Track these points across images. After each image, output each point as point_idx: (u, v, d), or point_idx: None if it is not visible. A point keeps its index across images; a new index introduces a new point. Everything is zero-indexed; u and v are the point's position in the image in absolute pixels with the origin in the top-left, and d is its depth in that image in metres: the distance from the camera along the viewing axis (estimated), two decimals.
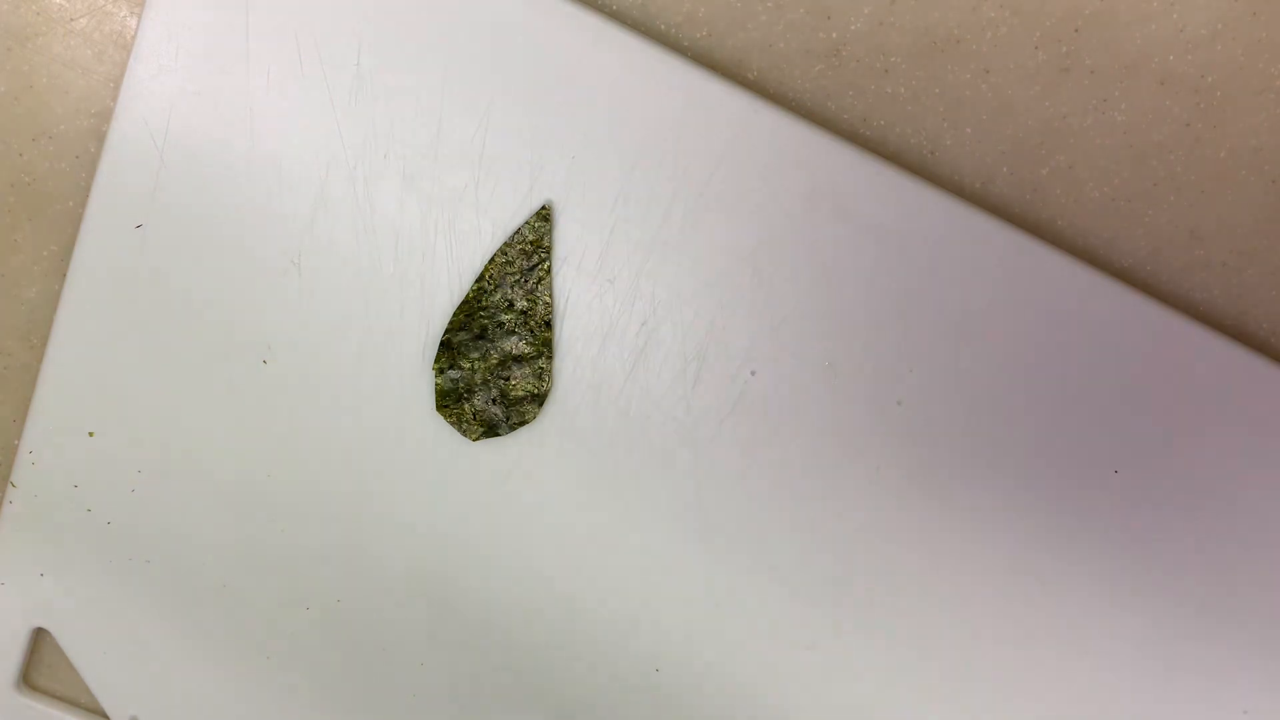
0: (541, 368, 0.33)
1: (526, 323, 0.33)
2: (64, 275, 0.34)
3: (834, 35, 0.32)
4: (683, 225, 0.32)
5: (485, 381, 0.33)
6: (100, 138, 0.34)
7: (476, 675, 0.36)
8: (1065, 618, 0.34)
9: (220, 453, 0.34)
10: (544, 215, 0.32)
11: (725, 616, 0.35)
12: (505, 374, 0.33)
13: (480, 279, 0.32)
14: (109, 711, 0.37)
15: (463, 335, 0.33)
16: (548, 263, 0.32)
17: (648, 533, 0.34)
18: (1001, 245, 0.32)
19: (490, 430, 0.34)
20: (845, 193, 0.31)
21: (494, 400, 0.33)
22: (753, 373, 0.33)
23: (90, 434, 0.34)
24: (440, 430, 0.34)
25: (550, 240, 0.32)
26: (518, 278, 0.32)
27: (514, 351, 0.33)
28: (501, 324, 0.33)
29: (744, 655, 0.35)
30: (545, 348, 0.33)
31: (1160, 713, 0.35)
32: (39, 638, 0.38)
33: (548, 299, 0.33)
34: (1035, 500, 0.33)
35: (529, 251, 0.32)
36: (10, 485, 0.35)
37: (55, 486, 0.35)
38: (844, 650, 0.35)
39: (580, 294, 0.33)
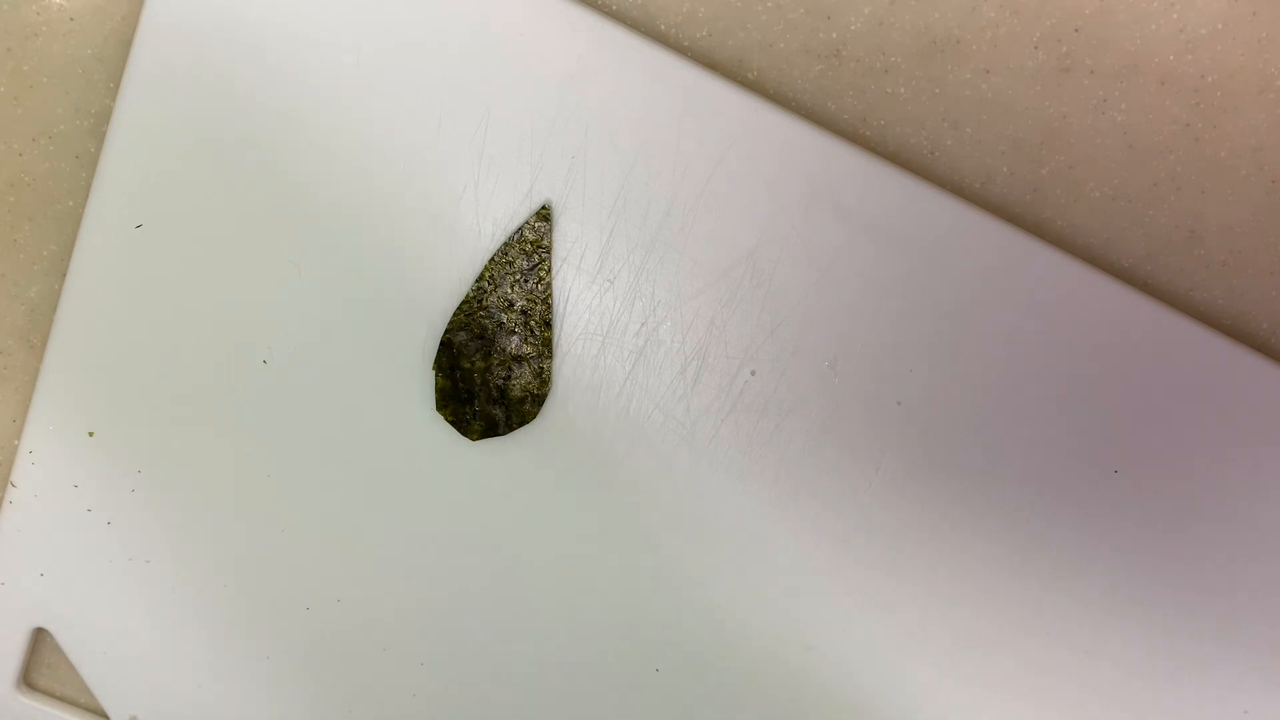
0: (541, 368, 0.33)
1: (526, 323, 0.33)
2: (64, 275, 0.34)
3: (834, 35, 0.32)
4: (683, 225, 0.32)
5: (485, 381, 0.33)
6: (100, 138, 0.34)
7: (476, 675, 0.36)
8: (1065, 618, 0.34)
9: (220, 453, 0.34)
10: (544, 215, 0.32)
11: (725, 616, 0.35)
12: (505, 374, 0.33)
13: (480, 279, 0.32)
14: (109, 711, 0.37)
15: (463, 335, 0.33)
16: (548, 263, 0.32)
17: (648, 532, 0.34)
18: (1001, 245, 0.32)
19: (490, 430, 0.34)
20: (845, 193, 0.31)
21: (494, 400, 0.33)
22: (753, 373, 0.33)
23: (90, 434, 0.34)
24: (440, 430, 0.34)
25: (550, 240, 0.32)
26: (518, 278, 0.32)
27: (514, 351, 0.33)
28: (501, 324, 0.33)
29: (744, 655, 0.35)
30: (545, 348, 0.33)
31: (1160, 713, 0.35)
32: (39, 638, 0.38)
33: (548, 299, 0.33)
34: (1035, 500, 0.33)
35: (529, 251, 0.32)
36: (10, 485, 0.35)
37: (55, 486, 0.35)
38: (844, 650, 0.35)
39: (580, 294, 0.33)
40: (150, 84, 0.32)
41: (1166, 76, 0.32)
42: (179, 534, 0.35)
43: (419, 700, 0.36)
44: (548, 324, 0.33)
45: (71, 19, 0.33)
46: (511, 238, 0.32)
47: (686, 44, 0.32)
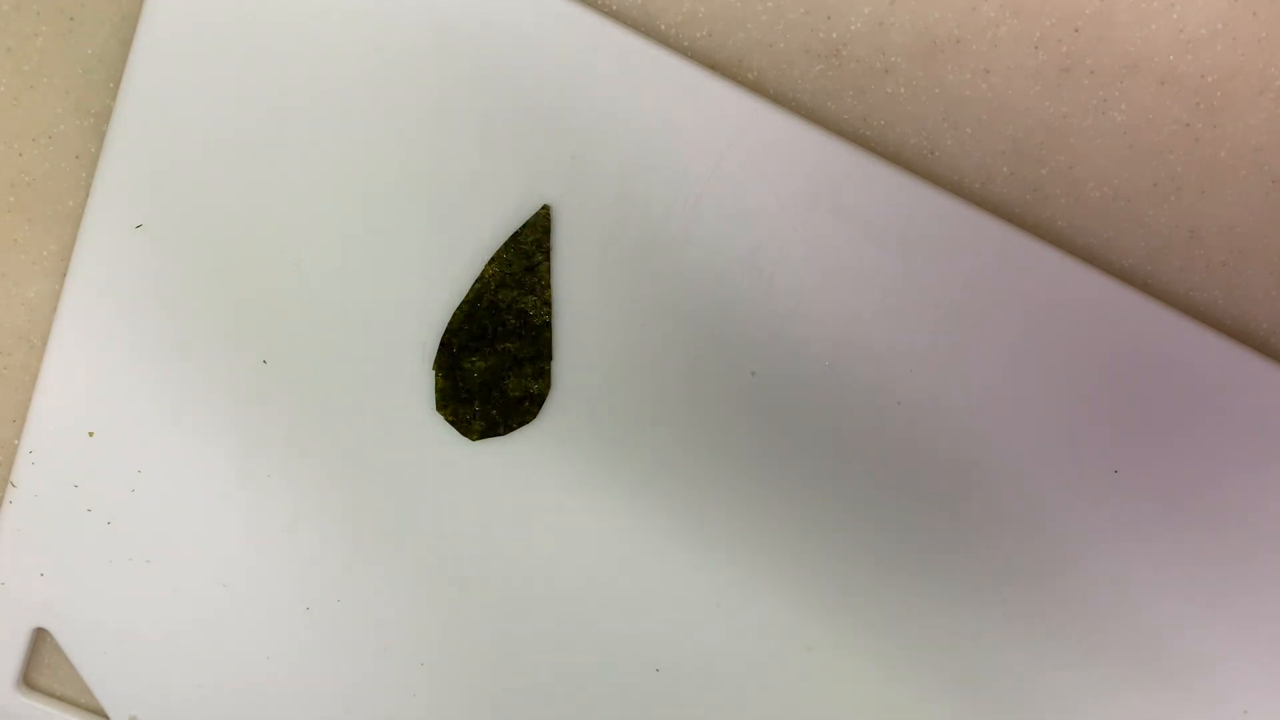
0: (541, 368, 0.33)
1: (526, 323, 0.33)
2: (64, 275, 0.34)
3: (834, 35, 0.32)
4: (683, 225, 0.32)
5: (485, 382, 0.33)
6: (100, 138, 0.34)
7: (476, 675, 0.36)
8: (1064, 617, 0.34)
9: (220, 452, 0.34)
10: (544, 215, 0.32)
11: (725, 616, 0.35)
12: (505, 374, 0.33)
13: (480, 279, 0.32)
14: (109, 711, 0.37)
15: (463, 335, 0.33)
16: (547, 263, 0.32)
17: (648, 533, 0.34)
18: (1001, 245, 0.32)
19: (490, 430, 0.34)
20: (845, 193, 0.31)
21: (494, 400, 0.33)
22: (753, 373, 0.33)
23: (90, 434, 0.34)
24: (440, 430, 0.34)
25: (550, 240, 0.32)
26: (518, 278, 0.32)
27: (514, 351, 0.33)
28: (501, 324, 0.33)
29: (744, 655, 0.35)
30: (545, 348, 0.33)
31: (1160, 713, 0.35)
32: (39, 638, 0.38)
33: (547, 299, 0.33)
34: (1035, 500, 0.33)
35: (529, 252, 0.32)
36: (10, 485, 0.35)
37: (55, 486, 0.35)
38: (843, 650, 0.35)
39: (580, 294, 0.33)
40: (150, 84, 0.32)
41: (1166, 76, 0.32)
42: (179, 534, 0.35)
43: (419, 700, 0.36)
44: (547, 324, 0.33)
45: (71, 19, 0.33)
46: (511, 238, 0.32)
47: (686, 44, 0.32)
